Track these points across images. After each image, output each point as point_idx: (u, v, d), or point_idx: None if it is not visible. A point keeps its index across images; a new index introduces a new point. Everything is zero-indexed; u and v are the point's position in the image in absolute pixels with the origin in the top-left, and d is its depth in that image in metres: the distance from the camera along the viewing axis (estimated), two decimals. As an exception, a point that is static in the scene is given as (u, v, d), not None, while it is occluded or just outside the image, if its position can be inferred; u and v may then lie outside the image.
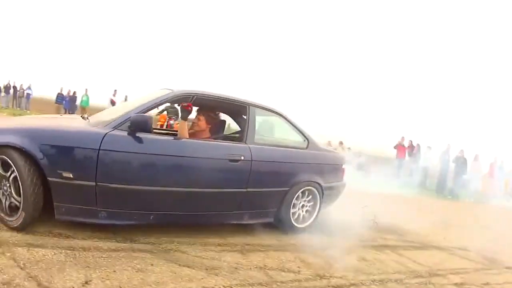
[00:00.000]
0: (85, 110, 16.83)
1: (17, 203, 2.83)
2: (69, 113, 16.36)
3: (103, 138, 2.88)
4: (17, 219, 2.86)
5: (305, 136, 4.24)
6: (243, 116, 3.97)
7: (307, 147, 4.20)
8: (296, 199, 4.01)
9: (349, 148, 15.95)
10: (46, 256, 2.72)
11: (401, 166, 14.63)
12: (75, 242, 3.03)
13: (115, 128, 2.98)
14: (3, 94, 21.26)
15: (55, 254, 2.77)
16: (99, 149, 2.85)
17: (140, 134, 3.00)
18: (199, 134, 3.81)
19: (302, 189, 4.03)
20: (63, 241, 3.02)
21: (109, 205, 3.02)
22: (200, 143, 3.46)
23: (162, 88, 3.66)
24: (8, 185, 2.85)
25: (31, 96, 20.69)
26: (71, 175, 2.82)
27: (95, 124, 3.12)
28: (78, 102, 18.84)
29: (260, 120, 4.05)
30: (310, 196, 4.16)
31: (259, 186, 3.67)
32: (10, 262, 2.53)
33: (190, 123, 3.90)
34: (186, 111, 3.40)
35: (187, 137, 3.46)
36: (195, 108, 3.94)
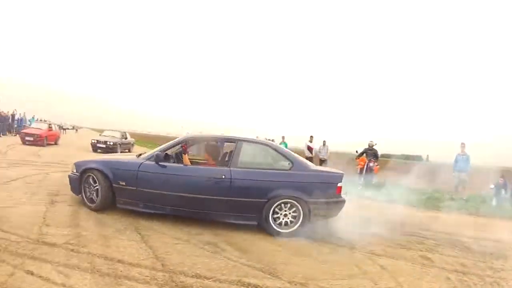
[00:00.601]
0: None
1: (95, 198, 5.00)
2: None
3: (140, 165, 4.92)
4: (95, 205, 4.98)
5: (290, 160, 5.07)
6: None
7: (290, 169, 4.98)
8: (277, 209, 4.79)
9: None
10: None
11: None
12: None
13: (147, 159, 5.00)
14: None
15: None
16: (137, 171, 4.87)
17: (161, 163, 4.90)
18: (208, 162, 5.49)
19: (280, 202, 4.78)
20: None
21: (143, 200, 4.86)
22: (195, 168, 5.08)
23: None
24: (92, 188, 5.03)
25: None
26: (124, 183, 4.89)
27: (140, 158, 5.19)
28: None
29: (253, 149, 5.26)
30: (294, 208, 4.82)
31: (239, 196, 4.74)
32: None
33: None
34: (183, 149, 5.15)
35: (189, 164, 5.12)
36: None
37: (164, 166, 4.88)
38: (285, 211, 4.82)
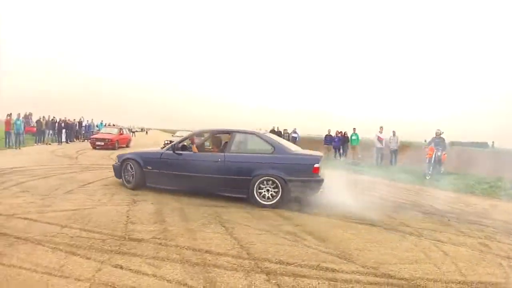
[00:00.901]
0: (355, 148, 17.41)
1: (131, 179, 6.73)
2: (340, 153, 17.60)
3: (161, 154, 6.56)
4: (131, 185, 6.72)
5: (272, 145, 6.11)
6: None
7: (272, 153, 6.01)
8: (261, 184, 5.84)
9: None
10: (309, 285, 2.96)
11: None
12: (340, 275, 3.18)
13: (167, 150, 6.56)
14: None
15: (318, 283, 2.99)
16: (160, 158, 6.52)
17: (177, 151, 6.42)
18: (213, 150, 6.75)
19: (262, 179, 5.83)
20: (328, 273, 3.22)
21: (165, 179, 6.42)
22: (199, 154, 6.42)
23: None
24: (129, 172, 6.78)
25: (297, 139, 21.22)
26: (151, 168, 6.55)
27: (163, 149, 6.79)
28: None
29: (243, 138, 6.46)
30: (275, 185, 5.81)
31: (231, 174, 5.97)
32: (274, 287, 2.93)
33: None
34: (191, 141, 6.55)
35: (196, 151, 6.45)
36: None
37: (179, 154, 6.39)
38: (267, 187, 5.85)
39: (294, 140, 21.25)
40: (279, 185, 5.77)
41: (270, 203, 5.78)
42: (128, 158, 6.89)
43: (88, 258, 3.27)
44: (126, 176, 6.87)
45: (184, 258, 3.34)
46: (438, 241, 4.33)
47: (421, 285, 3.05)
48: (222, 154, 6.16)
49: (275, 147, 6.08)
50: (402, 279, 3.16)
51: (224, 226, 4.47)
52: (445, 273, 3.35)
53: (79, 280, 2.84)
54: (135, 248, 3.57)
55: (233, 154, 6.12)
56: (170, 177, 6.36)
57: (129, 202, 5.53)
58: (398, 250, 3.91)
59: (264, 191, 5.86)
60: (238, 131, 6.46)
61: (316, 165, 5.82)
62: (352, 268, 3.34)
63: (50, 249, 3.45)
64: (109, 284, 2.79)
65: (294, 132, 21.91)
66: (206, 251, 3.55)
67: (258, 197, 5.85)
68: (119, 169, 7.03)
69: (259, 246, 3.81)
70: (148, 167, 6.58)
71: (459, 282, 3.19)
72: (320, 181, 5.89)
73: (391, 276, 3.20)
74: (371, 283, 3.03)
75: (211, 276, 2.99)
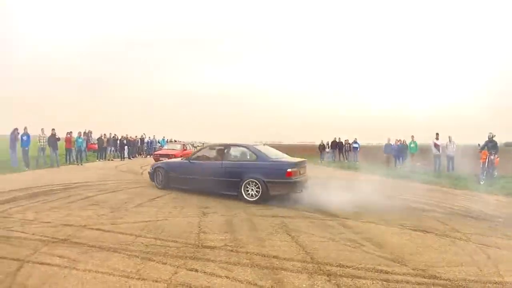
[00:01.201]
0: (413, 155, 18.00)
1: (160, 182, 9.10)
2: (400, 161, 18.21)
3: (181, 163, 8.95)
4: (160, 186, 9.01)
5: (256, 154, 7.70)
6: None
7: (255, 160, 7.60)
8: (247, 185, 7.40)
9: None
10: (364, 285, 3.32)
11: None
12: (392, 277, 3.52)
13: (185, 160, 8.92)
14: (328, 149, 24.27)
15: (372, 283, 3.35)
16: (180, 166, 8.85)
17: (191, 161, 8.55)
18: (217, 159, 8.20)
19: (247, 181, 7.38)
20: (382, 275, 3.57)
21: (183, 182, 8.56)
22: (206, 162, 8.31)
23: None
24: (159, 177, 9.12)
25: (358, 149, 22.94)
26: (173, 173, 8.81)
27: (183, 159, 9.46)
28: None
29: (235, 150, 8.25)
30: (257, 185, 7.29)
31: (227, 177, 7.67)
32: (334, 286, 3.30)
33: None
34: (201, 153, 8.75)
35: (204, 161, 8.40)
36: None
37: (193, 163, 8.47)
38: (252, 187, 7.40)
39: (355, 150, 22.70)
40: (260, 186, 7.26)
41: (254, 199, 7.31)
42: (158, 166, 9.33)
43: (164, 263, 3.63)
44: (157, 180, 9.17)
45: (253, 263, 3.72)
46: (484, 245, 4.55)
47: (462, 285, 3.32)
48: (221, 162, 8.00)
49: (258, 155, 7.70)
50: (446, 280, 3.44)
51: (290, 235, 4.85)
52: (485, 275, 3.59)
53: (156, 281, 3.18)
54: (208, 254, 3.95)
55: (228, 162, 7.93)
56: (186, 180, 8.47)
57: (199, 214, 6.01)
58: (447, 254, 4.19)
59: (250, 191, 7.40)
60: (233, 145, 8.38)
61: (289, 170, 7.17)
62: (404, 270, 3.66)
63: (126, 256, 3.82)
64: (186, 284, 3.15)
65: (355, 142, 22.89)
66: (274, 257, 3.92)
67: (245, 195, 7.42)
68: (152, 174, 9.36)
69: (322, 251, 4.17)
70: (172, 173, 8.82)
71: (496, 282, 3.42)
72: (294, 183, 7.22)
73: (437, 277, 3.49)
74: (418, 283, 3.34)
75: (278, 277, 3.37)
